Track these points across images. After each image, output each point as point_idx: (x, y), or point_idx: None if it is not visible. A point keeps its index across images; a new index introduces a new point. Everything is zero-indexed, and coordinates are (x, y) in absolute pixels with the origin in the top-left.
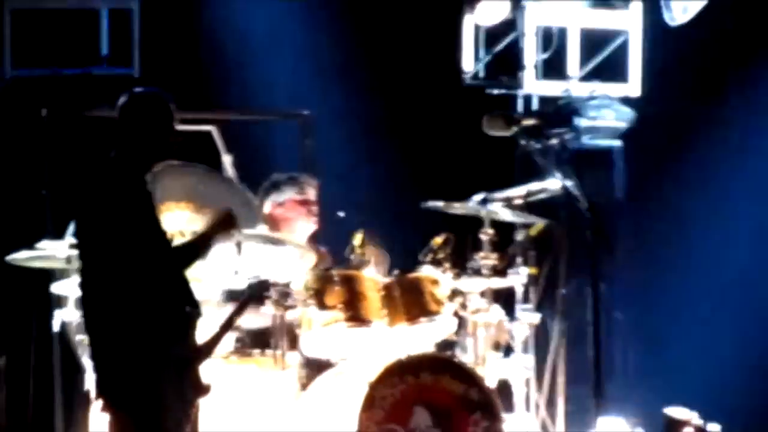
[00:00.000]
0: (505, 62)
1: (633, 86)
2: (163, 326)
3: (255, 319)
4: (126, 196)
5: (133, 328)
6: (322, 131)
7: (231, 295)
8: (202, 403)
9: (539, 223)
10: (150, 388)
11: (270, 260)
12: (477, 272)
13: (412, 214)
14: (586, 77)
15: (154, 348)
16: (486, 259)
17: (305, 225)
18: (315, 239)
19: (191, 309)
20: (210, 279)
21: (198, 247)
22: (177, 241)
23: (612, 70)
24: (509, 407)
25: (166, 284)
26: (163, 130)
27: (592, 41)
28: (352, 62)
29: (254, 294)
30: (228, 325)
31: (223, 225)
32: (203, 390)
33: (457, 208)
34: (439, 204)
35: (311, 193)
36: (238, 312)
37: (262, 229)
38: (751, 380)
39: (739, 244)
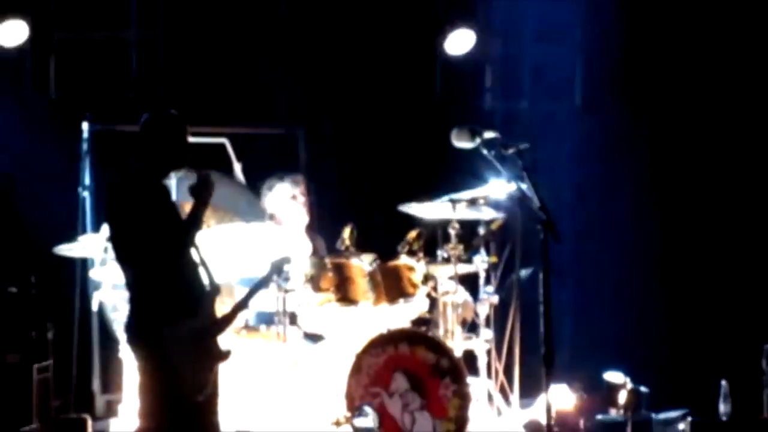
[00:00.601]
0: (471, 84)
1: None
2: (181, 302)
3: (262, 302)
4: (147, 196)
5: (158, 302)
6: (316, 142)
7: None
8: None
9: (499, 219)
10: (165, 355)
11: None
12: (446, 260)
13: (392, 214)
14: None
15: (173, 321)
16: (453, 249)
17: (298, 218)
18: (311, 230)
19: (211, 287)
20: (231, 265)
21: (196, 215)
22: None
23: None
24: (474, 373)
25: (185, 266)
26: (177, 143)
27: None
28: (342, 82)
29: (276, 270)
30: (247, 300)
31: (204, 188)
32: (222, 356)
33: (428, 209)
34: (413, 205)
35: (299, 189)
36: (259, 286)
37: (268, 224)
38: (673, 350)
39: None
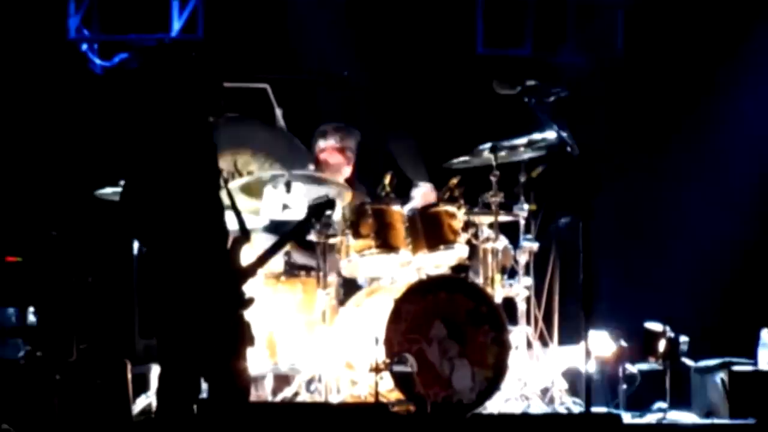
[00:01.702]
0: (513, 33)
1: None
2: (207, 249)
3: (302, 256)
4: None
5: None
6: (359, 90)
7: (278, 226)
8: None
9: (539, 167)
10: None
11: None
12: (486, 207)
13: (436, 160)
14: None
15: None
16: (494, 196)
17: (343, 168)
18: (353, 179)
19: (239, 235)
20: (263, 212)
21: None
22: (235, 180)
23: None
24: (513, 321)
25: (214, 216)
26: (209, 88)
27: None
28: (384, 33)
29: (315, 213)
30: (279, 246)
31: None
32: (246, 303)
33: (470, 161)
34: (456, 162)
35: (349, 142)
36: (296, 231)
37: (310, 169)
38: (713, 299)
39: (705, 186)
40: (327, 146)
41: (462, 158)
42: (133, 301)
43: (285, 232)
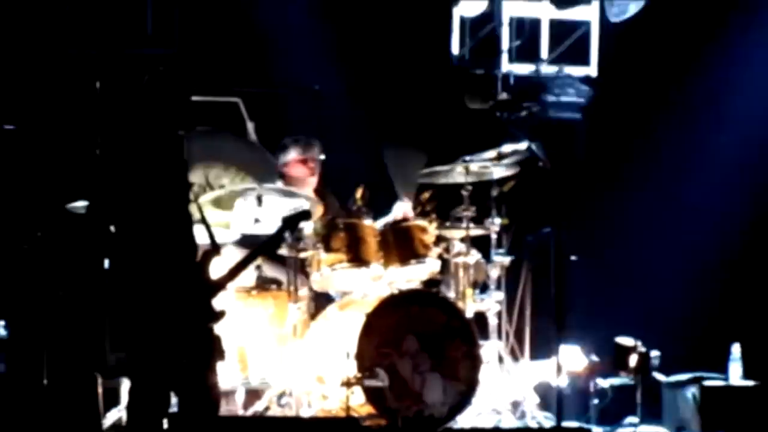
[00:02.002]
0: (486, 48)
1: (592, 68)
2: (177, 263)
3: (274, 269)
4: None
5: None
6: (329, 103)
7: (249, 240)
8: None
9: (511, 181)
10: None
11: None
12: (458, 221)
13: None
14: (554, 60)
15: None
16: (466, 210)
17: (308, 179)
18: (321, 189)
19: (209, 248)
20: (234, 225)
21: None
22: (206, 194)
23: (575, 54)
24: (485, 335)
25: (183, 229)
26: (179, 102)
27: (559, 30)
28: (359, 49)
29: (289, 225)
30: (251, 259)
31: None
32: (217, 316)
33: (442, 174)
34: (426, 172)
35: (309, 153)
36: (268, 244)
37: (278, 184)
38: (684, 314)
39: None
40: (289, 159)
41: (433, 169)
42: (104, 315)
43: (258, 245)
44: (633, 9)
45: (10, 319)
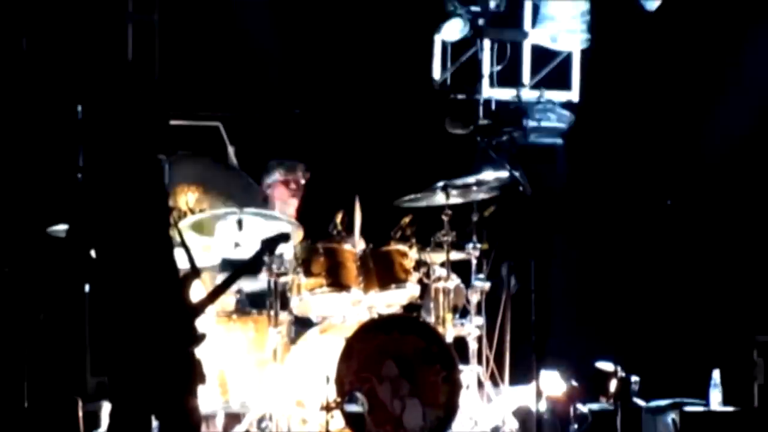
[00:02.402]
0: (467, 73)
1: (573, 94)
2: (158, 286)
3: (253, 283)
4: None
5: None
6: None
7: (230, 265)
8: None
9: (491, 206)
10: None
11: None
12: (438, 246)
13: (387, 198)
14: (535, 85)
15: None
16: (446, 235)
17: (289, 201)
18: (299, 216)
19: (189, 272)
20: (215, 249)
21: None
22: (187, 218)
23: (556, 80)
24: (464, 360)
25: (163, 253)
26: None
27: (540, 55)
28: (340, 72)
29: (268, 247)
30: (231, 281)
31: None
32: (198, 339)
33: (422, 199)
34: (407, 198)
35: (293, 175)
36: (248, 266)
37: (261, 206)
38: (664, 340)
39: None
40: (271, 181)
41: (413, 196)
42: (84, 339)
43: (238, 266)
44: None
45: None
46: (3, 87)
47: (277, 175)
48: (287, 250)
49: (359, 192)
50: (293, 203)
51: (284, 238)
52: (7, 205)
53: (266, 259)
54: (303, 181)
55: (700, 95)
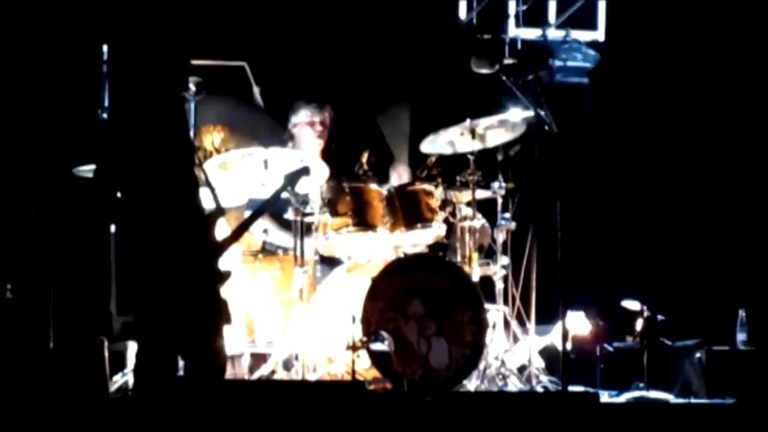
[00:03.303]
0: (493, 12)
1: (599, 33)
2: (182, 225)
3: (283, 237)
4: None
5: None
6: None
7: (255, 204)
8: (230, 292)
9: (516, 145)
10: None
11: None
12: (464, 185)
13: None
14: (561, 25)
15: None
16: (471, 174)
17: (314, 143)
18: (324, 155)
19: (213, 211)
20: (240, 189)
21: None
22: (212, 158)
23: (582, 19)
24: (491, 299)
25: (188, 192)
26: (175, 65)
27: None
28: (365, 11)
29: (290, 182)
30: (254, 218)
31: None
32: (222, 278)
33: (447, 144)
34: (430, 139)
35: (320, 116)
36: (270, 202)
37: (288, 145)
38: (691, 279)
39: (684, 165)
40: (299, 121)
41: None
42: (110, 279)
43: (261, 202)
44: None
45: (17, 282)
46: (29, 28)
47: (303, 116)
48: (313, 190)
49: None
50: (318, 144)
51: (305, 171)
52: (32, 146)
53: (291, 198)
54: (329, 122)
55: (731, 35)
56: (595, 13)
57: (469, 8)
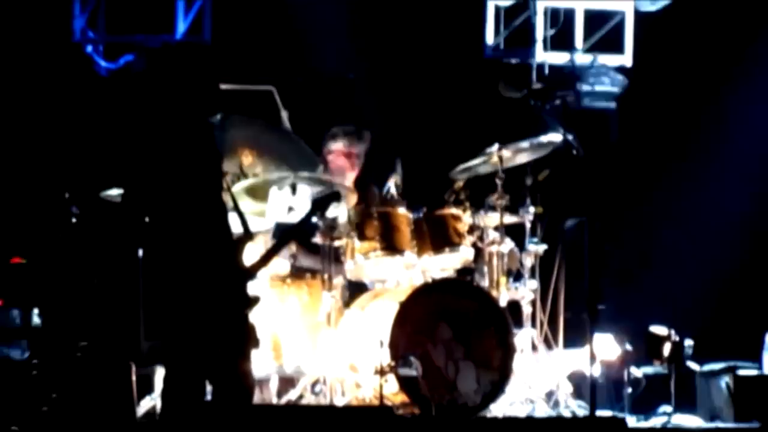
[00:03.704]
0: (520, 37)
1: (627, 58)
2: (211, 250)
3: (309, 259)
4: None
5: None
6: (365, 92)
7: (283, 229)
8: (258, 316)
9: (545, 170)
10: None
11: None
12: (492, 210)
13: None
14: (588, 50)
15: (201, 271)
16: (499, 199)
17: (347, 173)
18: (358, 183)
19: (242, 235)
20: (268, 214)
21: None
22: (240, 182)
23: (610, 44)
24: (518, 324)
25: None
26: (205, 88)
27: (594, 19)
28: (393, 37)
29: (319, 206)
30: (282, 243)
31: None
32: (251, 303)
33: (477, 165)
34: (461, 167)
35: (357, 148)
36: (299, 226)
37: (320, 171)
38: (717, 303)
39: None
40: (335, 149)
41: (469, 163)
42: (138, 303)
43: (290, 227)
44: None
45: (45, 307)
46: (57, 55)
47: (340, 145)
48: (341, 214)
49: (414, 154)
50: (351, 176)
51: (335, 197)
52: (61, 169)
53: (320, 222)
54: (365, 152)
55: (755, 59)
56: (622, 37)
57: (497, 32)
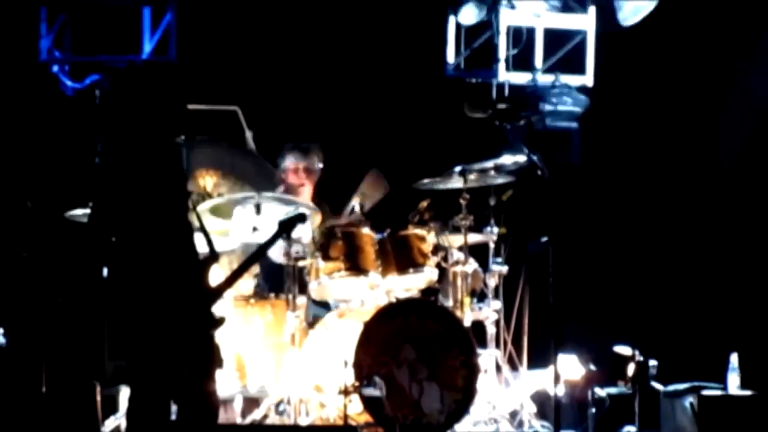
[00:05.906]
0: (481, 56)
1: (588, 78)
2: (176, 270)
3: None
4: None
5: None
6: (329, 111)
7: (247, 249)
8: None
9: (509, 190)
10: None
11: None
12: (456, 230)
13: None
14: (550, 69)
15: (166, 291)
16: (464, 219)
17: (302, 189)
18: (315, 198)
19: (207, 256)
20: (233, 234)
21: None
22: (205, 202)
23: (571, 63)
24: (482, 344)
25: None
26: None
27: (555, 39)
28: (356, 57)
29: (285, 229)
30: (248, 264)
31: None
32: (216, 323)
33: (440, 182)
34: (426, 181)
35: (303, 162)
36: (264, 248)
37: (279, 190)
38: (682, 323)
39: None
40: (285, 166)
41: (431, 180)
42: (102, 323)
43: (255, 249)
44: (646, 8)
45: (9, 326)
46: (22, 75)
47: (288, 162)
48: (305, 234)
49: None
50: (305, 190)
51: (301, 219)
52: (26, 189)
53: (284, 243)
54: (318, 166)
55: (717, 80)
56: (583, 57)
57: (458, 52)
